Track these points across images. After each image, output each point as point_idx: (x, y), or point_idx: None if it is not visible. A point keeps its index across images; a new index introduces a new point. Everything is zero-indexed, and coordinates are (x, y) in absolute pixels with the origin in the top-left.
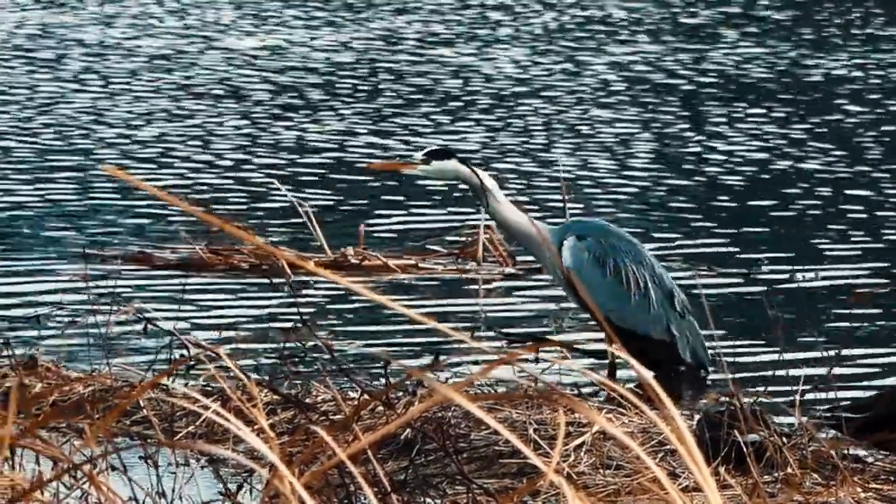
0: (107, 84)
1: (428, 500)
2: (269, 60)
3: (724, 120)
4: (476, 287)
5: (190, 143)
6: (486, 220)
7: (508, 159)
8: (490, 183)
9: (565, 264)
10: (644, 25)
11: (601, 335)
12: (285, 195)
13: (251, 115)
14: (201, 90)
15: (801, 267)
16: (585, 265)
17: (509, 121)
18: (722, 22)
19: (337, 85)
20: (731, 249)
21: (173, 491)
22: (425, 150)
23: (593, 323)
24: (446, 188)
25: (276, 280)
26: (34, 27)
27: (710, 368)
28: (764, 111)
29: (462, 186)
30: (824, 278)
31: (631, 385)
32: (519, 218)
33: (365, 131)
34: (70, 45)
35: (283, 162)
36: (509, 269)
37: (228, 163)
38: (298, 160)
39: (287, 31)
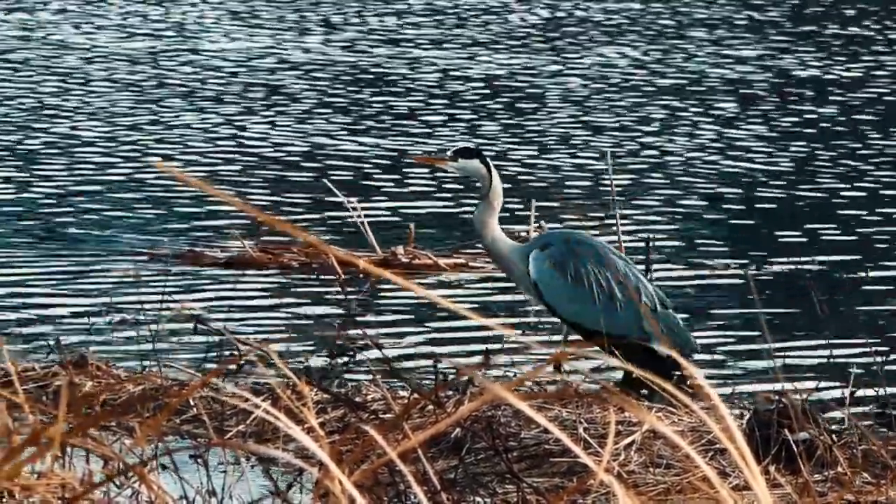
0: (160, 84)
1: (478, 498)
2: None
3: (766, 114)
4: None
5: (233, 142)
6: (536, 216)
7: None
8: (496, 193)
9: (532, 277)
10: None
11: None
12: (337, 194)
13: (297, 116)
14: (255, 93)
15: (851, 264)
16: (548, 273)
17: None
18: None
19: (367, 85)
20: (779, 247)
21: (223, 490)
22: (455, 149)
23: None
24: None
25: (326, 278)
26: (78, 19)
27: (697, 354)
28: (812, 107)
29: (478, 185)
30: (873, 275)
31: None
32: (500, 235)
33: (413, 131)
34: (119, 44)
35: (331, 161)
36: None
37: (278, 165)
38: (344, 160)
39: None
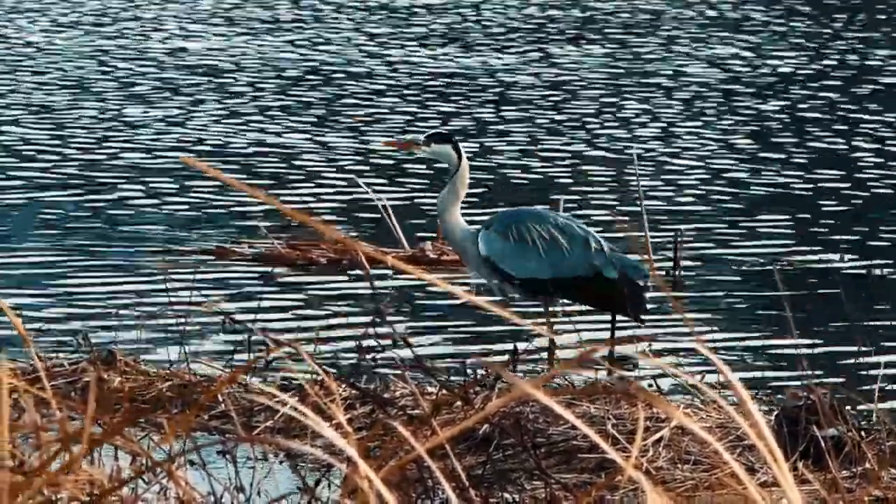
0: (185, 84)
1: (506, 494)
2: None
3: (818, 111)
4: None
5: (259, 139)
6: (565, 208)
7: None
8: (463, 180)
9: (482, 254)
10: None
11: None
12: (366, 191)
13: (320, 115)
14: (277, 93)
15: (879, 261)
16: (495, 244)
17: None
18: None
19: (387, 83)
20: (806, 243)
21: (252, 486)
22: (428, 133)
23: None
24: (527, 182)
25: (354, 274)
26: (118, 15)
27: (648, 280)
28: (847, 101)
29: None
30: None
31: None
32: (458, 220)
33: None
34: (154, 44)
35: (356, 157)
36: None
37: (305, 161)
38: (369, 155)
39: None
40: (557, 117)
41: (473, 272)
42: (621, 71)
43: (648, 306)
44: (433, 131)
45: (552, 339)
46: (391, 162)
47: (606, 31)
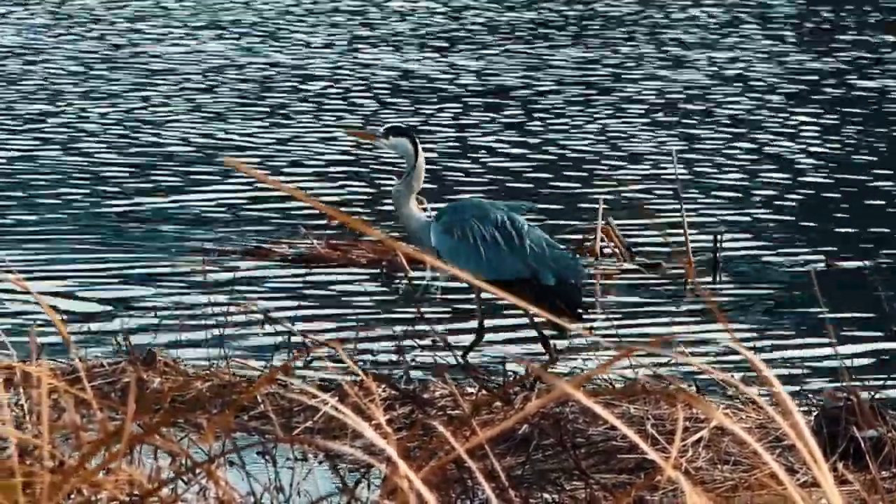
0: (221, 84)
1: (545, 494)
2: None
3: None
4: (594, 282)
5: (297, 141)
6: (605, 209)
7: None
8: (419, 175)
9: (433, 245)
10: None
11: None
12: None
13: (364, 115)
14: (317, 93)
15: None
16: (442, 238)
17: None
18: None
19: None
20: (846, 244)
21: (291, 486)
22: (387, 126)
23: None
24: (563, 182)
25: (394, 275)
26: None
27: (581, 285)
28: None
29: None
30: None
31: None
32: (414, 211)
33: (451, 127)
34: (192, 45)
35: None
36: (627, 265)
37: (344, 163)
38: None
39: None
40: (598, 115)
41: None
42: (656, 67)
43: (585, 306)
44: (391, 125)
45: (482, 324)
46: (429, 165)
47: (639, 28)
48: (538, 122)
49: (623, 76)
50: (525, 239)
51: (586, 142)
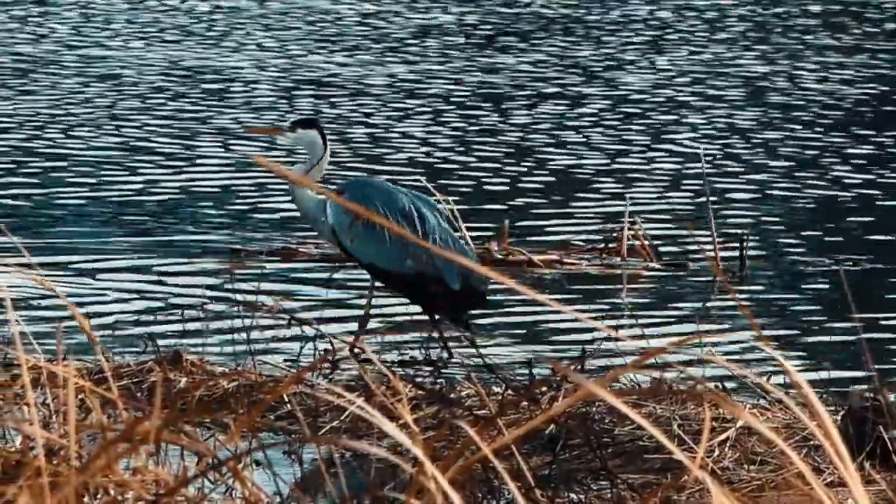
0: (250, 83)
1: (572, 495)
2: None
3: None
4: (620, 283)
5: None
6: (630, 209)
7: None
8: (323, 167)
9: (329, 222)
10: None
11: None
12: (432, 192)
13: (391, 115)
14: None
15: None
16: (342, 217)
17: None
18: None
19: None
20: (873, 244)
21: (317, 486)
22: (293, 119)
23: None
24: (594, 185)
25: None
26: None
27: (484, 288)
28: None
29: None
30: None
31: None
32: (311, 192)
33: (488, 128)
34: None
35: (420, 158)
36: (654, 265)
37: (370, 162)
38: (435, 156)
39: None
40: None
41: (324, 239)
42: (690, 68)
43: (472, 314)
44: (298, 117)
45: (367, 313)
46: (455, 166)
47: (688, 28)
48: (569, 121)
49: (648, 75)
50: (432, 235)
51: (610, 140)
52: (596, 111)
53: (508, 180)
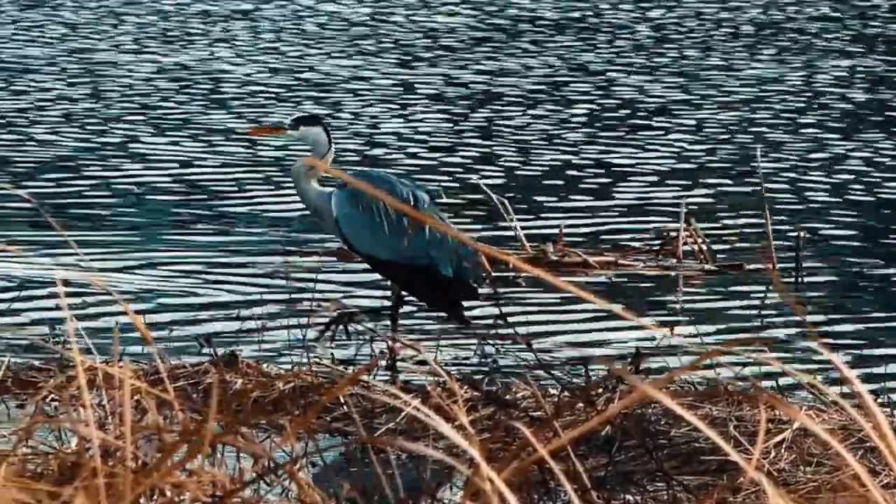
0: (313, 84)
1: (628, 496)
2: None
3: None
4: (676, 284)
5: (373, 138)
6: (686, 211)
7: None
8: (328, 161)
9: (333, 214)
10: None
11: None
12: (488, 193)
13: (445, 112)
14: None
15: None
16: (345, 207)
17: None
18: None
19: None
20: None
21: (373, 488)
22: (294, 117)
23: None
24: (645, 185)
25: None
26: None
27: (478, 284)
28: None
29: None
30: None
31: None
32: (314, 184)
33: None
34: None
35: (473, 158)
36: (709, 266)
37: (424, 163)
38: (491, 160)
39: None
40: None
41: (329, 230)
42: (748, 64)
43: (466, 310)
44: (300, 114)
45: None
46: (512, 164)
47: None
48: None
49: (702, 75)
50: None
51: (667, 140)
52: (647, 112)
53: (562, 182)
